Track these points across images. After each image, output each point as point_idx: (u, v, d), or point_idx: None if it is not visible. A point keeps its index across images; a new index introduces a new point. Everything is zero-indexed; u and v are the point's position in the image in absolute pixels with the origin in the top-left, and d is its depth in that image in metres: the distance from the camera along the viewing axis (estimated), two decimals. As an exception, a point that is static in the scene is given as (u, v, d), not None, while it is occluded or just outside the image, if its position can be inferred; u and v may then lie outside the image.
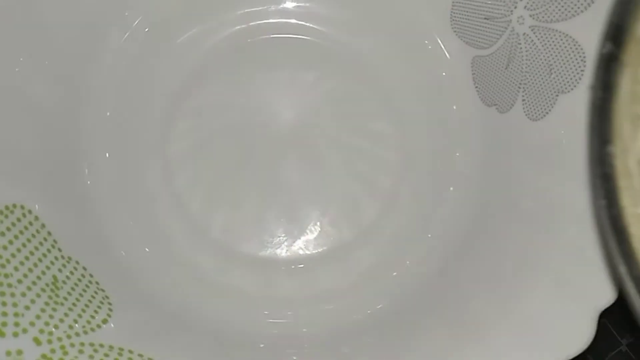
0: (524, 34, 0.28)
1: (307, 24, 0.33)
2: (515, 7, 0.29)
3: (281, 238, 0.31)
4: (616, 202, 0.13)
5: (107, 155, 0.31)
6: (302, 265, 0.31)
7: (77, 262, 0.28)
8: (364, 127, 0.32)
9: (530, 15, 0.28)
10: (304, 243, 0.31)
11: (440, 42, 0.32)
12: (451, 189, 0.31)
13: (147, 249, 0.31)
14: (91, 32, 0.31)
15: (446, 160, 0.31)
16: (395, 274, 0.30)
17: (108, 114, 0.32)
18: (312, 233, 0.31)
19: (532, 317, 0.25)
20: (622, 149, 0.13)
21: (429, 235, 0.31)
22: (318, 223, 0.31)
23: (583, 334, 0.24)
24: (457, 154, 0.31)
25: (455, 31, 0.32)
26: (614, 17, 0.13)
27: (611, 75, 0.13)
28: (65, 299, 0.26)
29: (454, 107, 0.32)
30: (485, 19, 0.30)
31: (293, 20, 0.33)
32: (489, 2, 0.30)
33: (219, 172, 0.32)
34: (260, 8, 0.33)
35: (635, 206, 0.12)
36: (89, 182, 0.31)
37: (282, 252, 0.31)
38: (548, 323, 0.24)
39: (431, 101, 0.32)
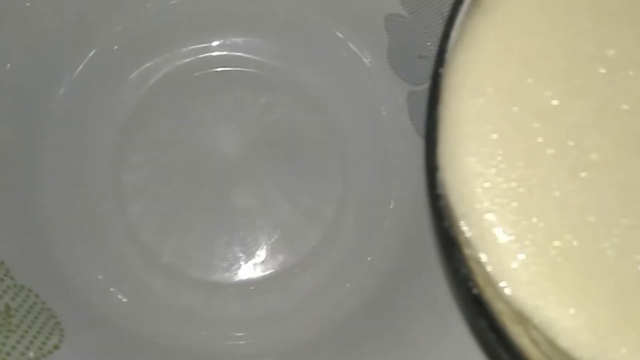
0: (453, 72, 0.31)
1: (254, 57, 0.35)
2: (445, 48, 0.31)
3: (230, 262, 0.33)
4: (446, 217, 0.15)
5: (60, 186, 0.32)
6: (250, 288, 0.32)
7: (30, 290, 0.29)
8: (308, 157, 0.34)
9: (458, 56, 0.30)
10: (252, 267, 0.33)
11: (378, 76, 0.34)
12: (389, 215, 0.33)
13: (100, 276, 0.32)
14: (45, 66, 0.32)
15: (385, 189, 0.33)
16: (337, 295, 0.32)
17: (60, 146, 0.33)
18: (259, 257, 0.33)
19: (468, 333, 0.27)
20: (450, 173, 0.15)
21: (369, 259, 0.32)
22: (265, 248, 0.33)
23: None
24: (395, 183, 0.33)
25: (392, 67, 0.34)
26: (436, 67, 0.16)
27: (435, 112, 0.15)
28: (18, 326, 0.27)
29: (392, 138, 0.34)
30: (418, 57, 0.32)
31: (240, 54, 0.35)
32: (422, 43, 0.32)
33: (170, 201, 0.33)
34: (210, 44, 0.34)
35: (464, 217, 0.15)
36: (41, 213, 0.32)
37: (231, 275, 0.32)
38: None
39: (371, 131, 0.34)
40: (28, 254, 0.30)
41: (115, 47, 0.33)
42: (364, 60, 0.34)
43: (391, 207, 0.33)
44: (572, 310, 0.14)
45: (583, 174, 0.15)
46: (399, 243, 0.32)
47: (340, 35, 0.34)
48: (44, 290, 0.29)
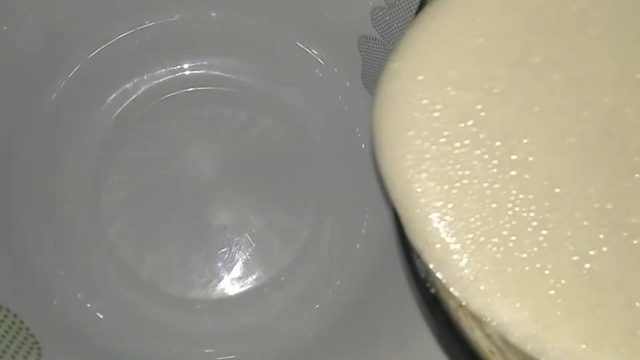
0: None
1: (230, 77, 0.35)
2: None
3: (206, 279, 0.33)
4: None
5: (38, 206, 0.33)
6: (225, 304, 0.33)
7: (8, 310, 0.29)
8: (284, 176, 0.35)
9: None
10: (227, 283, 0.33)
11: (352, 96, 0.35)
12: (361, 238, 0.34)
13: (79, 295, 0.32)
14: (22, 89, 0.33)
15: (358, 211, 0.34)
16: (308, 314, 0.32)
17: (38, 168, 0.33)
18: (234, 274, 0.33)
19: (431, 349, 0.27)
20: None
21: (338, 283, 0.33)
22: (240, 265, 0.33)
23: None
24: (368, 204, 0.34)
25: (366, 88, 0.35)
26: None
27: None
28: (-5, 346, 0.27)
29: (366, 159, 0.35)
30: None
31: (217, 73, 0.35)
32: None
33: (148, 219, 0.33)
34: (186, 64, 0.35)
35: (408, 223, 0.16)
36: (20, 233, 0.32)
37: (207, 292, 0.33)
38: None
39: (346, 152, 0.35)
40: (5, 273, 0.30)
41: (93, 69, 0.34)
42: (339, 80, 0.35)
43: (363, 231, 0.34)
44: (518, 304, 0.15)
45: (512, 172, 0.15)
46: (369, 262, 0.33)
47: (315, 56, 0.35)
48: (21, 309, 0.29)
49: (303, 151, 0.35)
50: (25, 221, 0.32)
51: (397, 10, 0.31)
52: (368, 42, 0.33)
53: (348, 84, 0.35)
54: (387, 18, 0.32)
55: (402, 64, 0.16)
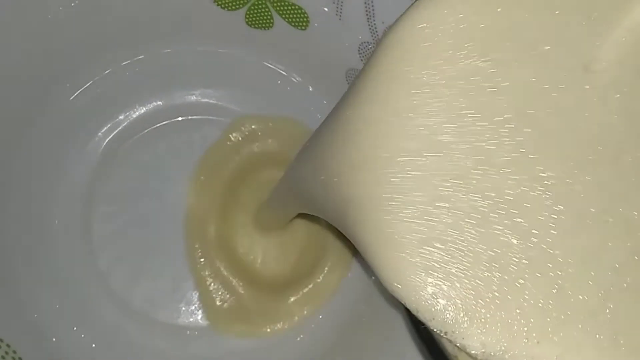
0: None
1: (222, 105, 0.36)
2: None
3: (195, 306, 0.34)
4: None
5: (32, 241, 0.33)
6: (213, 330, 0.33)
7: (1, 340, 0.29)
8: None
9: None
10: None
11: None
12: (352, 270, 0.34)
13: (75, 328, 0.32)
14: (11, 118, 0.32)
15: (347, 244, 0.34)
16: (293, 342, 0.33)
17: (31, 200, 0.33)
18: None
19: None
20: None
21: (320, 317, 0.34)
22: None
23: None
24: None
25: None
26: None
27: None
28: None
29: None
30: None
31: (208, 100, 0.36)
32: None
33: (138, 251, 0.34)
34: (177, 94, 0.36)
35: None
36: (12, 265, 0.32)
37: (196, 318, 0.33)
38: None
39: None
40: (3, 310, 0.30)
41: (84, 101, 0.34)
42: (328, 111, 0.36)
43: (353, 262, 0.34)
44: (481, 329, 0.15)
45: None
46: (355, 297, 0.33)
47: (304, 87, 0.36)
48: (15, 340, 0.29)
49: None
50: (18, 256, 0.32)
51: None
52: (355, 75, 0.34)
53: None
54: (374, 52, 0.33)
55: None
